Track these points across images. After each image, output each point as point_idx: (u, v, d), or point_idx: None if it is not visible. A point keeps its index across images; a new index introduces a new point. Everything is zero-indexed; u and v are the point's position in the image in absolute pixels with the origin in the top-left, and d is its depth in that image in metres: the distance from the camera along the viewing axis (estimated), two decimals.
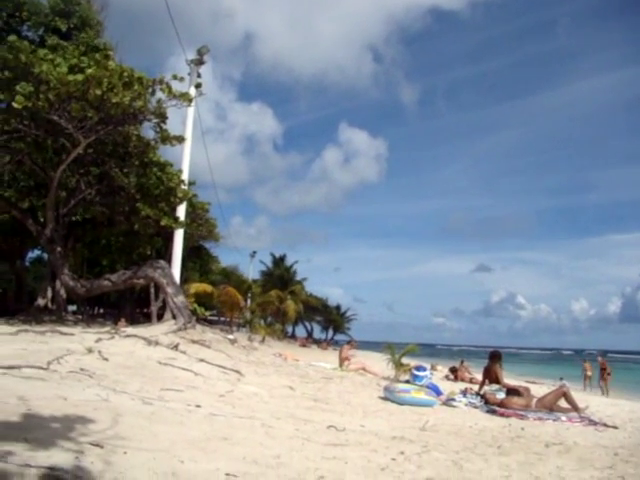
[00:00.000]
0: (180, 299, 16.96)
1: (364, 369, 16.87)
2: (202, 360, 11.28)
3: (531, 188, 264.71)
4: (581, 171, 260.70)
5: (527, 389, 11.01)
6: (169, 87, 15.15)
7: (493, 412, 9.86)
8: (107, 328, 16.09)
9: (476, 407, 10.41)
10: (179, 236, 20.87)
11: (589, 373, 27.86)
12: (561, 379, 23.11)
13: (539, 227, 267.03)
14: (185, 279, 29.76)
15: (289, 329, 66.51)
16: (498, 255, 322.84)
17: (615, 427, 9.42)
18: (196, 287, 32.39)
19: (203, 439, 4.79)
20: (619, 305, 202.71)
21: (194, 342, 14.12)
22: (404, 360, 16.04)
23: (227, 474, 3.75)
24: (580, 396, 16.54)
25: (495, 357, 11.89)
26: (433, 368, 26.06)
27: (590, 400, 14.51)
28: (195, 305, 25.20)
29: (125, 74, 14.04)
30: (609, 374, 24.36)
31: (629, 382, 33.95)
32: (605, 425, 9.43)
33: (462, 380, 19.53)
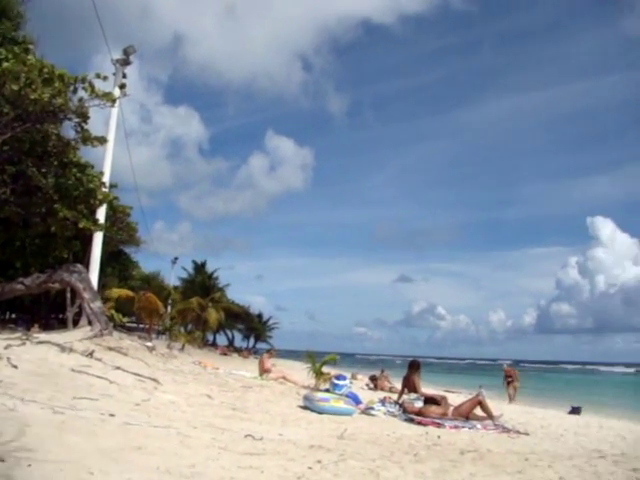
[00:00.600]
0: (97, 305, 16.43)
1: (284, 378, 16.81)
2: (118, 368, 10.95)
3: (455, 201, 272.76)
4: (503, 186, 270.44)
5: (444, 398, 11.21)
6: (92, 86, 14.70)
7: (411, 421, 10.01)
8: (18, 334, 15.42)
9: (394, 416, 10.53)
10: (98, 240, 20.27)
11: (516, 383, 28.54)
12: (480, 387, 23.67)
13: (461, 239, 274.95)
14: (103, 284, 28.95)
15: (210, 337, 65.69)
16: (420, 266, 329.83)
17: (527, 434, 9.76)
18: (115, 293, 31.54)
19: (116, 449, 4.63)
20: (534, 316, 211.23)
21: (110, 349, 13.70)
22: (324, 369, 16.08)
23: None
24: (496, 404, 17.01)
25: (414, 366, 12.06)
26: (353, 377, 26.26)
27: (504, 408, 14.95)
28: (113, 311, 24.49)
29: (45, 70, 13.53)
30: (514, 382, 24.95)
31: (543, 390, 35.28)
32: (518, 432, 9.76)
33: (382, 389, 19.76)
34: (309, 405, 10.33)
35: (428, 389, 14.02)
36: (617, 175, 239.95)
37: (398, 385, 16.18)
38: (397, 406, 11.08)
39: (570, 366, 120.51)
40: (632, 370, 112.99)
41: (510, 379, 24.80)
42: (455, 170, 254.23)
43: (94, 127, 17.06)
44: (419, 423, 9.73)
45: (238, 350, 62.89)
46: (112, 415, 6.30)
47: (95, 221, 18.50)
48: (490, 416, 10.54)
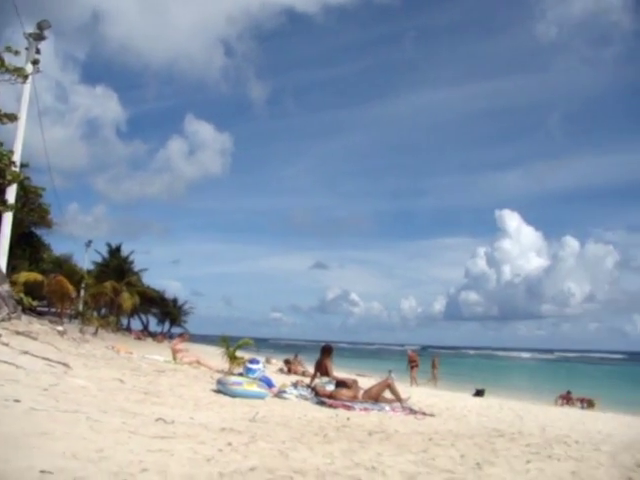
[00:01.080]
0: (5, 288, 15.87)
1: (198, 362, 16.76)
2: (26, 352, 10.64)
3: (371, 190, 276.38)
4: (416, 178, 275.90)
5: (355, 381, 11.48)
6: (2, 60, 14.10)
7: (322, 403, 10.21)
8: None
9: (306, 399, 10.71)
10: (7, 221, 19.49)
11: (435, 369, 29.73)
12: (390, 372, 24.33)
13: (376, 228, 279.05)
14: (13, 267, 27.89)
15: (124, 321, 64.47)
16: (336, 253, 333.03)
17: (432, 415, 10.18)
18: (25, 276, 30.44)
19: (20, 435, 4.54)
20: (444, 304, 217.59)
21: (19, 333, 13.29)
22: (239, 353, 16.14)
23: (42, 471, 3.58)
24: (405, 388, 17.54)
25: (326, 351, 12.28)
26: (268, 361, 26.48)
27: (412, 391, 15.45)
28: (22, 295, 23.65)
29: None
30: (418, 365, 25.86)
31: (451, 374, 36.51)
32: (424, 414, 10.16)
33: (295, 373, 20.00)
34: (222, 389, 10.37)
35: (340, 373, 14.30)
36: (525, 171, 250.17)
37: (311, 369, 16.42)
38: (309, 389, 11.27)
39: (475, 351, 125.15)
40: (532, 355, 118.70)
41: (414, 364, 25.63)
42: (371, 161, 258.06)
43: (4, 104, 16.38)
44: (330, 406, 9.95)
45: (153, 335, 61.97)
46: (17, 401, 6.15)
47: (4, 201, 17.81)
48: (398, 399, 10.89)
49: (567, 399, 21.33)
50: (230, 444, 5.39)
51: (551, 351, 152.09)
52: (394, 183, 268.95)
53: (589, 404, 19.82)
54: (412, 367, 25.62)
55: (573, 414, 15.47)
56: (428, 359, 31.30)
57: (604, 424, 12.52)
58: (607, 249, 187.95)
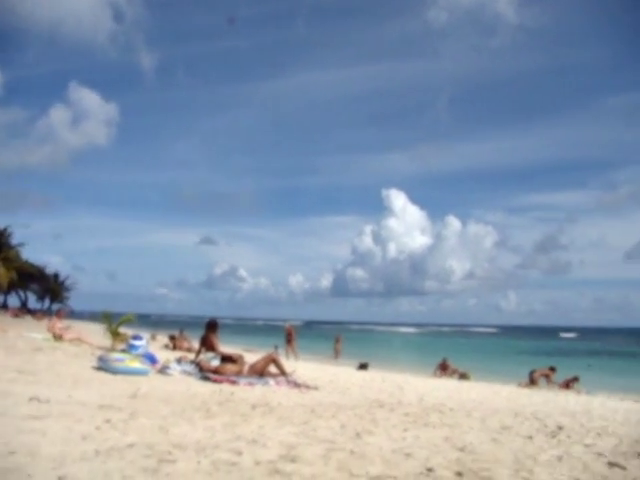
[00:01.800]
0: None
1: (79, 339, 16.21)
2: None
3: (261, 167, 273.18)
4: (307, 155, 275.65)
5: (241, 356, 11.49)
6: None
7: (207, 379, 10.17)
8: None
9: (190, 374, 10.63)
10: None
11: (339, 347, 30.77)
12: (276, 347, 24.54)
13: (265, 205, 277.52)
14: None
15: (0, 298, 61.28)
16: (224, 229, 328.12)
17: (316, 388, 10.40)
18: None
19: None
20: (330, 280, 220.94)
21: None
22: (123, 330, 15.75)
23: None
24: (292, 362, 17.79)
25: (211, 326, 12.20)
26: (153, 338, 26.00)
27: (298, 365, 15.69)
28: None
29: None
30: (294, 339, 26.17)
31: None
32: (308, 387, 10.35)
33: (180, 349, 19.74)
34: (103, 366, 10.09)
35: (227, 349, 14.25)
36: (411, 152, 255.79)
37: (197, 345, 16.29)
38: (193, 365, 11.18)
39: (359, 326, 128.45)
40: (413, 330, 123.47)
41: (291, 337, 25.86)
42: (260, 137, 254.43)
43: None
44: (214, 381, 9.93)
45: (32, 312, 59.20)
46: None
47: None
48: (283, 373, 11.02)
49: (444, 367, 22.33)
50: (109, 421, 5.28)
51: (432, 325, 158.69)
52: (284, 160, 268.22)
53: (463, 376, 20.85)
54: (289, 341, 25.79)
55: (450, 384, 16.24)
56: (315, 334, 31.92)
57: (477, 393, 13.23)
58: (487, 229, 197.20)
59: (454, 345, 60.04)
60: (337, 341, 31.21)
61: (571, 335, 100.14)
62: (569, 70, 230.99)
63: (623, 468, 5.04)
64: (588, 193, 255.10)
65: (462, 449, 5.38)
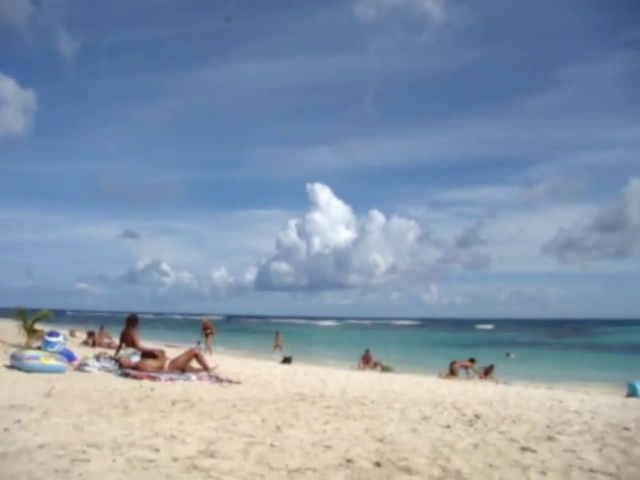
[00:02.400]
0: None
1: None
2: None
3: (185, 159, 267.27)
4: (232, 147, 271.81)
5: (162, 352, 11.29)
6: None
7: (127, 375, 9.95)
8: None
9: (110, 371, 10.37)
10: None
11: (279, 342, 31.13)
12: (198, 342, 24.29)
13: (189, 198, 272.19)
14: None
15: None
16: (147, 222, 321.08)
17: (239, 383, 10.35)
18: None
19: None
20: (255, 274, 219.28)
21: None
22: (39, 326, 15.23)
23: None
24: (216, 357, 17.64)
25: (131, 321, 11.95)
26: (72, 334, 25.22)
27: (221, 360, 15.57)
28: None
29: None
30: (213, 333, 25.61)
31: (258, 343, 37.32)
32: (230, 381, 10.29)
33: (100, 345, 19.24)
34: (16, 364, 9.73)
35: (148, 344, 13.99)
36: (337, 147, 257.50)
37: (118, 341, 15.93)
38: (113, 361, 10.91)
39: (283, 320, 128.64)
40: (337, 323, 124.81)
41: (208, 331, 25.26)
42: (186, 129, 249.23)
43: None
44: (134, 377, 9.73)
45: None
46: None
47: None
48: (206, 368, 10.90)
49: (367, 360, 22.62)
50: (19, 421, 5.09)
51: (355, 319, 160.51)
52: (209, 153, 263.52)
53: (386, 369, 21.17)
54: (207, 335, 25.16)
55: (372, 377, 16.44)
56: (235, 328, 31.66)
57: (399, 384, 13.45)
58: (410, 224, 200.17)
59: (377, 338, 61.00)
60: (277, 336, 31.80)
61: (488, 327, 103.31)
62: (492, 69, 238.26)
63: (534, 452, 5.24)
64: (507, 189, 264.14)
65: (382, 440, 5.45)
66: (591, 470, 4.70)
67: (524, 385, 16.90)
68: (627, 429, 7.02)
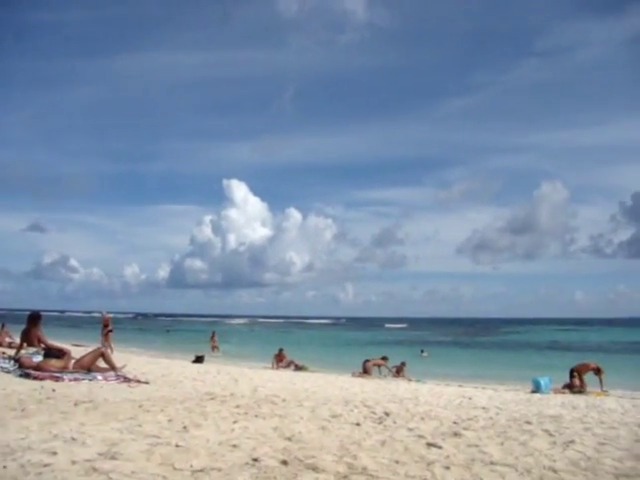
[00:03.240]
0: None
1: None
2: None
3: (97, 150, 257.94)
4: (147, 140, 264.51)
5: (67, 351, 10.89)
6: None
7: (27, 376, 9.51)
8: None
9: (9, 372, 9.90)
10: None
11: (215, 343, 32.24)
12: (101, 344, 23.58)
13: (100, 191, 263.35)
14: None
15: None
16: (54, 215, 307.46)
17: (147, 382, 10.10)
18: None
19: None
20: (168, 271, 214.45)
21: None
22: None
23: None
24: (126, 356, 17.16)
25: (34, 319, 11.48)
26: None
27: (129, 359, 15.18)
28: None
29: None
30: (112, 331, 24.64)
31: (170, 342, 36.72)
32: (138, 381, 10.03)
33: (1, 345, 18.40)
34: None
35: (54, 343, 13.45)
36: (254, 143, 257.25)
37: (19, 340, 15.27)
38: (12, 361, 10.43)
39: (196, 319, 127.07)
40: (252, 321, 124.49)
41: (108, 328, 24.24)
42: (99, 118, 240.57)
43: None
44: (35, 378, 9.30)
45: None
46: None
47: None
48: (113, 367, 10.58)
49: (280, 359, 22.57)
50: None
51: (269, 317, 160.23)
52: (122, 144, 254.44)
53: (300, 368, 21.19)
54: (107, 333, 23.96)
55: (285, 376, 16.43)
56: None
57: (312, 383, 13.50)
58: (326, 222, 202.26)
59: (291, 337, 61.19)
60: (213, 337, 32.79)
61: (401, 325, 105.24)
62: (411, 71, 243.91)
63: (439, 447, 5.36)
64: (423, 190, 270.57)
65: (290, 438, 5.43)
66: (492, 463, 4.85)
67: (436, 383, 17.30)
68: (528, 422, 7.35)
